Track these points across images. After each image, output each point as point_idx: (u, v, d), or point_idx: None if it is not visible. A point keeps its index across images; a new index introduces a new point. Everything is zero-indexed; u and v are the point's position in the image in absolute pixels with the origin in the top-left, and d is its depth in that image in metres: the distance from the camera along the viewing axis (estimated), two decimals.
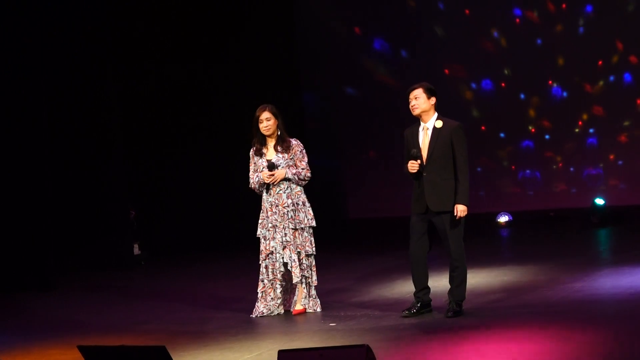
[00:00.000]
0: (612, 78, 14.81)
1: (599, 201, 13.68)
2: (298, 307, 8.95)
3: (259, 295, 8.97)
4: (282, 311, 8.98)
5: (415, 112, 8.27)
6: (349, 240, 14.75)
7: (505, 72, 15.31)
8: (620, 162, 14.85)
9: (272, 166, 8.83)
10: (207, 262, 13.37)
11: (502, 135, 15.43)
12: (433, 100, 8.28)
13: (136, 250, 13.36)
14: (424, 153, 8.23)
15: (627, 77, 14.72)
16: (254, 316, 8.95)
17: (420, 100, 8.25)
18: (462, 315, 8.19)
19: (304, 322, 8.67)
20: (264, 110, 8.88)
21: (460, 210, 8.15)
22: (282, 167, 8.84)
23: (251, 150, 9.02)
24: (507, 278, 9.88)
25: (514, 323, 7.85)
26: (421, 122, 8.31)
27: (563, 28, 15.00)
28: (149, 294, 10.93)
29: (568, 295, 8.75)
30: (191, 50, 14.78)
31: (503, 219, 14.32)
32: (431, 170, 8.20)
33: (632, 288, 8.70)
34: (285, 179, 8.83)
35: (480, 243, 13.00)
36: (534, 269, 10.34)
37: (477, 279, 9.87)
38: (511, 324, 7.84)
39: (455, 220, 8.16)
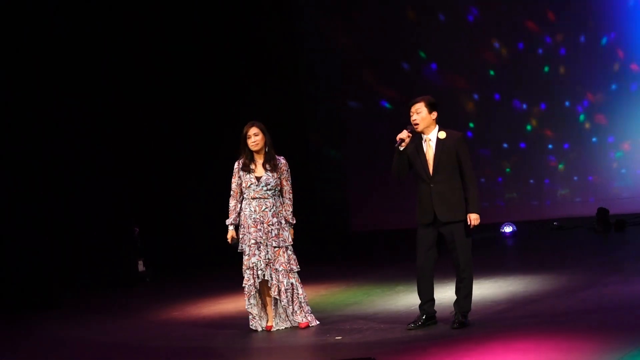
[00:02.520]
0: (614, 86, 14.83)
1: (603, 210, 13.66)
2: (301, 321, 8.92)
3: (247, 309, 9.00)
4: (284, 326, 8.96)
5: (418, 128, 8.26)
6: (353, 253, 14.75)
7: (507, 82, 15.32)
8: (623, 170, 14.85)
9: (234, 246, 8.97)
10: (212, 277, 13.36)
11: (505, 145, 15.43)
12: (434, 114, 8.25)
13: (140, 267, 13.36)
14: (430, 165, 8.21)
15: (632, 85, 14.74)
16: (257, 329, 8.96)
17: (421, 115, 8.23)
18: (468, 327, 8.18)
19: (309, 336, 8.66)
20: (252, 126, 8.90)
21: (474, 218, 8.14)
22: (272, 185, 8.85)
23: (236, 163, 8.99)
24: (513, 288, 9.87)
25: (520, 333, 7.84)
26: (423, 135, 8.32)
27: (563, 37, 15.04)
28: (153, 311, 10.93)
29: (574, 305, 8.74)
30: (195, 63, 14.79)
31: (507, 229, 14.31)
32: (438, 181, 8.19)
33: (638, 298, 8.68)
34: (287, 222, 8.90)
35: (485, 254, 12.99)
36: (539, 279, 10.32)
37: (483, 289, 9.86)
38: (517, 334, 7.83)
39: (465, 230, 8.16)
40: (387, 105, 15.92)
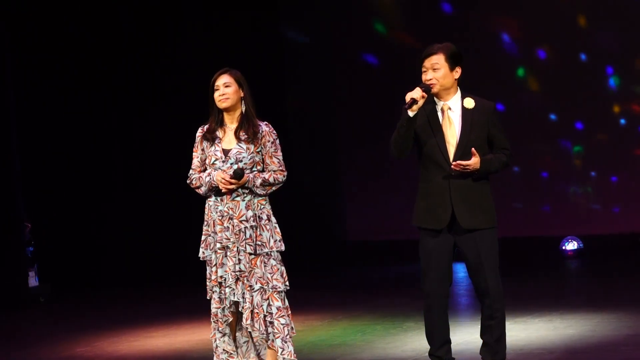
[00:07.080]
0: None
1: None
2: None
3: (213, 345, 8.99)
4: None
5: (434, 90, 8.12)
6: (346, 270, 14.80)
7: (585, 38, 15.41)
8: None
9: (239, 175, 8.63)
10: (136, 298, 13.41)
11: (577, 125, 15.54)
12: (458, 72, 8.13)
13: (33, 280, 13.40)
14: (452, 147, 8.15)
15: None
16: None
17: (440, 72, 8.11)
18: None
19: None
20: (222, 74, 8.78)
21: (474, 162, 7.94)
22: (245, 162, 8.72)
23: (199, 129, 8.89)
24: (574, 331, 9.96)
25: None
26: (437, 101, 8.20)
27: None
28: (49, 345, 10.98)
29: None
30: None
31: (570, 246, 14.42)
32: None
33: None
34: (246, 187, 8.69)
35: (538, 280, 13.07)
36: (612, 318, 10.42)
37: (531, 331, 9.97)
38: None
39: (493, 243, 8.16)
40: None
